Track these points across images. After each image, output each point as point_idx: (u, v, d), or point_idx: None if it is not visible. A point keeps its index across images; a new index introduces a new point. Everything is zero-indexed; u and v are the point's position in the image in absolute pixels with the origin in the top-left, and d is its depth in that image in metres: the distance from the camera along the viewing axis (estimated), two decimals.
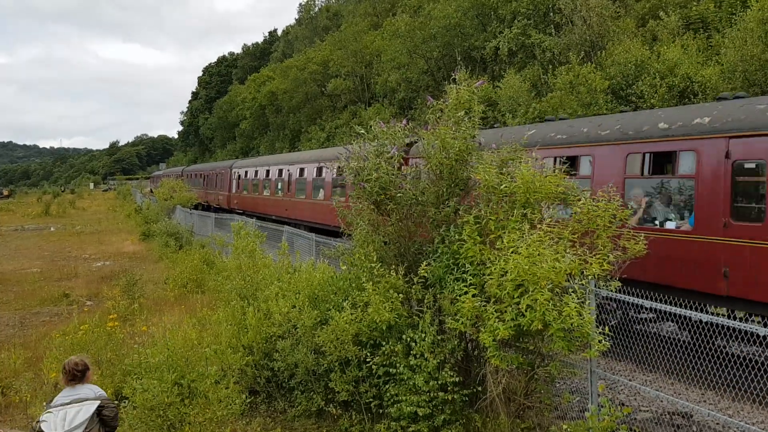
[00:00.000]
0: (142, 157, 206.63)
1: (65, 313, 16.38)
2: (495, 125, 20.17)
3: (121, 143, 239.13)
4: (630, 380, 9.10)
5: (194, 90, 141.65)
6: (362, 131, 9.74)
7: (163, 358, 8.34)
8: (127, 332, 11.99)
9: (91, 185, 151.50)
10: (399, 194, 9.19)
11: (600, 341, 6.86)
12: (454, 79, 9.59)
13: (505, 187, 8.39)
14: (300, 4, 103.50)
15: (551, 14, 36.86)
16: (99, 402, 5.92)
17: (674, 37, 29.08)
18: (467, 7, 40.96)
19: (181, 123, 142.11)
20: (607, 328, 7.01)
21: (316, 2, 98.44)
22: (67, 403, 5.83)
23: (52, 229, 44.84)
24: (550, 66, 33.08)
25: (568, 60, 30.52)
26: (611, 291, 7.39)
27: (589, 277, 7.27)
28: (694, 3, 32.14)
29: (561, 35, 34.73)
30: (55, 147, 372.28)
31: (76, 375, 6.04)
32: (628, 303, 7.89)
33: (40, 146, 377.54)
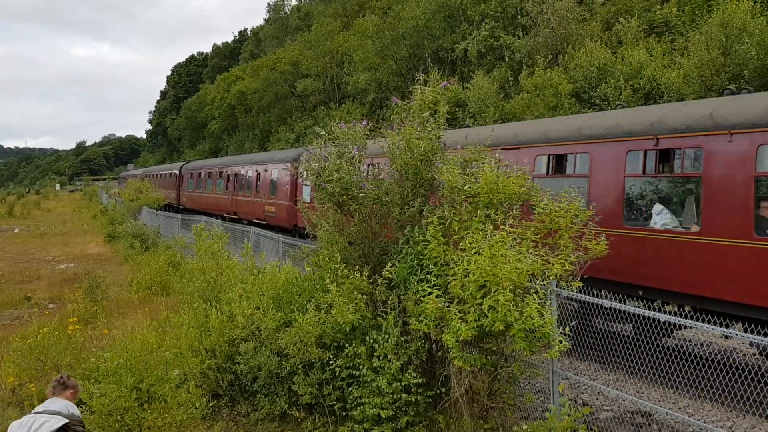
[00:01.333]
0: (110, 157, 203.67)
1: (26, 316, 16.02)
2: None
3: (90, 143, 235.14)
4: (592, 380, 9.17)
5: (163, 90, 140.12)
6: (322, 132, 9.69)
7: (122, 361, 8.20)
8: (89, 336, 11.76)
9: (57, 186, 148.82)
10: (361, 194, 9.16)
11: (561, 341, 6.89)
12: (419, 79, 9.59)
13: (469, 188, 8.41)
14: (269, 4, 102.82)
15: (519, 17, 37.15)
16: (67, 420, 5.91)
17: (637, 40, 29.51)
18: (435, 9, 41.09)
19: (150, 123, 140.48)
20: (567, 328, 7.05)
21: (286, 2, 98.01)
22: (40, 412, 5.89)
23: (15, 230, 43.95)
24: (523, 66, 33.33)
25: (535, 62, 30.78)
26: (572, 291, 7.42)
27: (551, 278, 7.30)
28: (658, 7, 32.67)
29: (528, 38, 35.03)
30: (20, 147, 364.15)
31: (59, 384, 6.23)
32: None
33: (5, 146, 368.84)
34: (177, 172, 49.94)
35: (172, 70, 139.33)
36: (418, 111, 9.21)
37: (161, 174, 57.20)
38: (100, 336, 11.71)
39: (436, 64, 41.79)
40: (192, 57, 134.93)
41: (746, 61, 21.00)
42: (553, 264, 7.37)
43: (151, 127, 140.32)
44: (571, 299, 7.78)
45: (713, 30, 22.17)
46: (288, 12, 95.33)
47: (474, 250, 7.35)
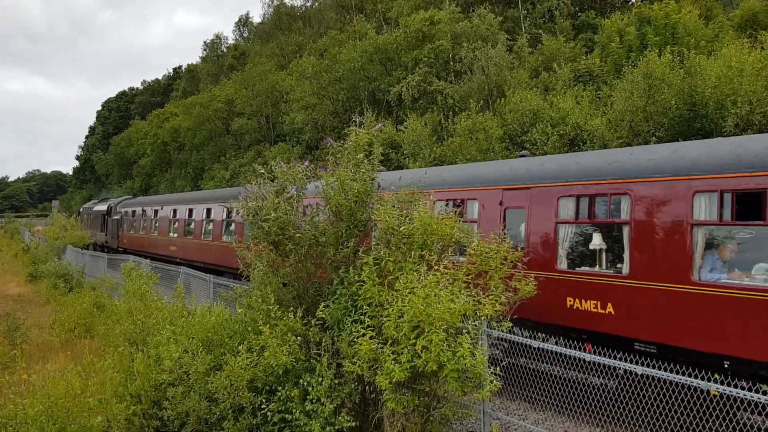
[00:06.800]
0: (34, 193, 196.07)
1: None
2: None
3: (14, 179, 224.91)
4: (523, 420, 9.29)
5: (91, 125, 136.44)
6: (262, 171, 9.68)
7: (43, 408, 7.84)
8: (6, 381, 11.19)
9: None
10: (298, 234, 9.14)
11: (491, 381, 6.99)
12: (355, 121, 9.73)
13: (404, 228, 8.52)
14: (204, 42, 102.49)
15: (451, 63, 38.21)
16: None
17: (567, 88, 30.82)
18: (372, 52, 41.85)
19: (77, 158, 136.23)
20: (498, 368, 7.16)
21: (223, 40, 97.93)
22: None
23: None
24: (451, 112, 34.23)
25: (467, 107, 31.63)
26: (503, 332, 7.57)
27: (482, 318, 7.43)
28: (583, 57, 34.28)
29: (461, 83, 36.02)
30: None
31: None
32: None
33: None
34: (105, 208, 45.24)
35: (102, 105, 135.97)
36: (353, 152, 9.32)
37: (91, 212, 50.96)
38: (19, 381, 11.16)
39: (373, 106, 42.38)
40: (123, 93, 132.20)
41: (666, 111, 22.14)
42: (485, 304, 7.51)
43: (78, 163, 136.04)
44: (502, 339, 7.92)
45: (638, 79, 23.34)
46: (225, 50, 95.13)
47: (408, 291, 7.42)
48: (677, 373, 6.33)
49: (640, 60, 24.46)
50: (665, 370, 6.43)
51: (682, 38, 28.46)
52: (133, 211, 38.82)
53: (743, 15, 32.19)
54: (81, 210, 60.03)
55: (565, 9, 44.80)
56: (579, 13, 47.71)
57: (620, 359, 7.00)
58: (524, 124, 28.28)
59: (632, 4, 45.64)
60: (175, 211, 31.74)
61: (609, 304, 9.77)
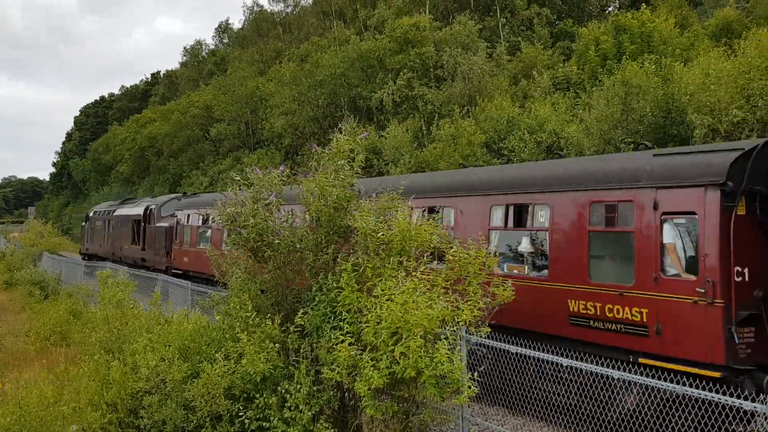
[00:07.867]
0: (10, 200, 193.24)
1: None
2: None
3: None
4: (501, 425, 9.31)
5: (69, 131, 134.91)
6: (237, 178, 9.63)
7: (15, 418, 7.72)
8: None
9: None
10: (276, 241, 9.10)
11: (469, 387, 7.00)
12: (340, 128, 9.72)
13: (382, 234, 8.52)
14: (185, 48, 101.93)
15: (432, 69, 38.39)
16: None
17: (545, 95, 31.10)
18: (353, 58, 41.87)
19: (54, 165, 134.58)
20: (476, 373, 7.18)
21: (204, 47, 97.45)
22: None
23: None
24: (433, 117, 34.36)
25: (449, 112, 31.76)
26: (481, 337, 7.59)
27: (461, 324, 7.44)
28: (561, 65, 34.63)
29: (442, 89, 36.19)
30: None
31: None
32: None
33: None
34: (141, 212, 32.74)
35: (80, 111, 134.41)
36: (333, 158, 9.30)
37: (112, 217, 39.39)
38: None
39: (353, 112, 42.33)
40: (101, 98, 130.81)
41: (642, 118, 22.38)
42: (463, 310, 7.53)
43: (55, 170, 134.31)
44: (481, 345, 7.94)
45: (615, 87, 23.58)
46: (205, 56, 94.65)
47: (386, 297, 7.42)
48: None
49: (616, 68, 24.73)
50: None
51: (658, 46, 28.84)
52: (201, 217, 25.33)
53: (718, 24, 32.70)
54: (91, 214, 47.15)
55: (544, 18, 45.22)
56: (557, 22, 48.20)
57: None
58: (500, 131, 28.47)
59: (609, 12, 46.23)
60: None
61: None
